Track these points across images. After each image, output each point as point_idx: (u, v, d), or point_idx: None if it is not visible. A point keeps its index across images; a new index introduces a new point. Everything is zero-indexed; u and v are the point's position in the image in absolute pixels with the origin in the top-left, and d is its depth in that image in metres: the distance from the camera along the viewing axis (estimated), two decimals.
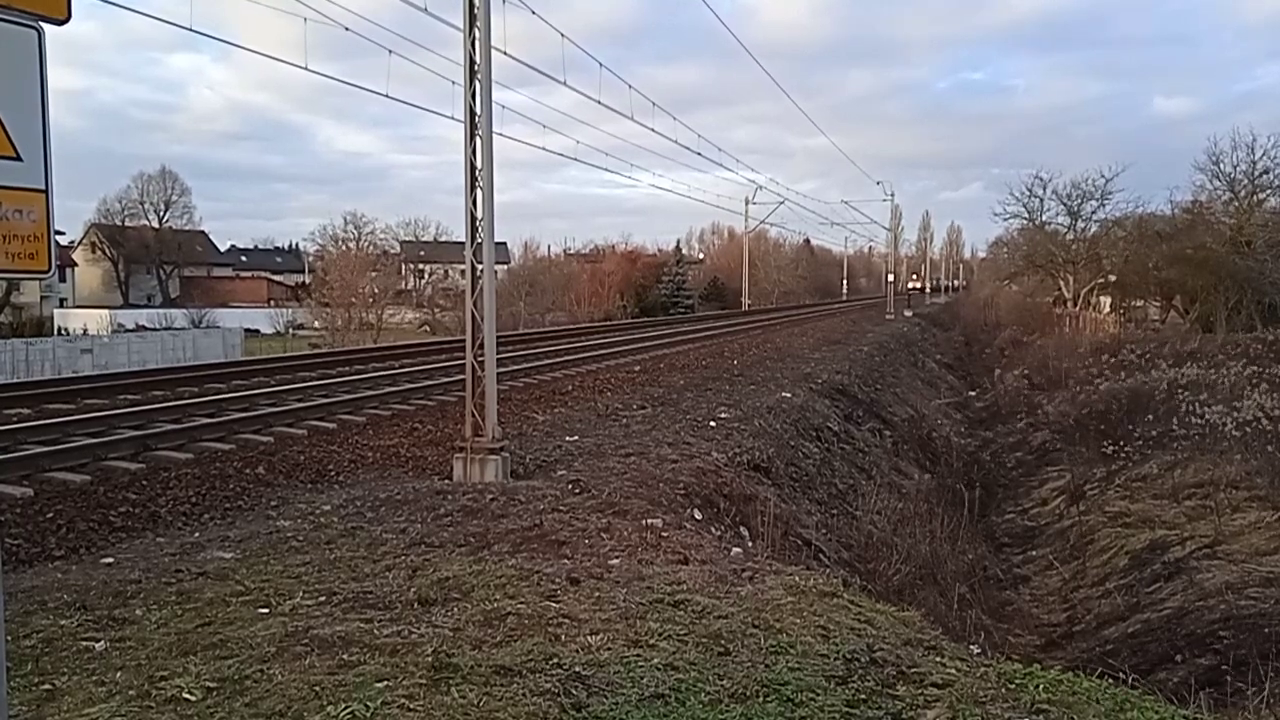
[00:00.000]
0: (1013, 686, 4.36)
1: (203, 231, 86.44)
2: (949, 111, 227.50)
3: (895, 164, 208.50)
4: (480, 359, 9.35)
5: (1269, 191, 35.16)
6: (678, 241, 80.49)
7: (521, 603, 5.16)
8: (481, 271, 9.34)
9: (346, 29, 11.70)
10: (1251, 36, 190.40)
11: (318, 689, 3.94)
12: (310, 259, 69.84)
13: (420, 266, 69.36)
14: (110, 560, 6.32)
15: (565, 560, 6.15)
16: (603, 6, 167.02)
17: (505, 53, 10.85)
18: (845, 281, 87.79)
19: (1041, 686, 4.34)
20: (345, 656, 4.33)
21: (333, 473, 9.45)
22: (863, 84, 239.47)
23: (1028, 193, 45.49)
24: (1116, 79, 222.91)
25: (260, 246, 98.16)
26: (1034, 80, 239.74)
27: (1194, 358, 24.40)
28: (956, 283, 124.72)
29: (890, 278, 65.33)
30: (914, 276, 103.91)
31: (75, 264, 71.76)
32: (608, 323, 44.44)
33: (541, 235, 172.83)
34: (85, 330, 51.36)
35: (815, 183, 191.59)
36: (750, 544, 8.23)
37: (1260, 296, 31.86)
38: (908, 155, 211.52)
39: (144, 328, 53.05)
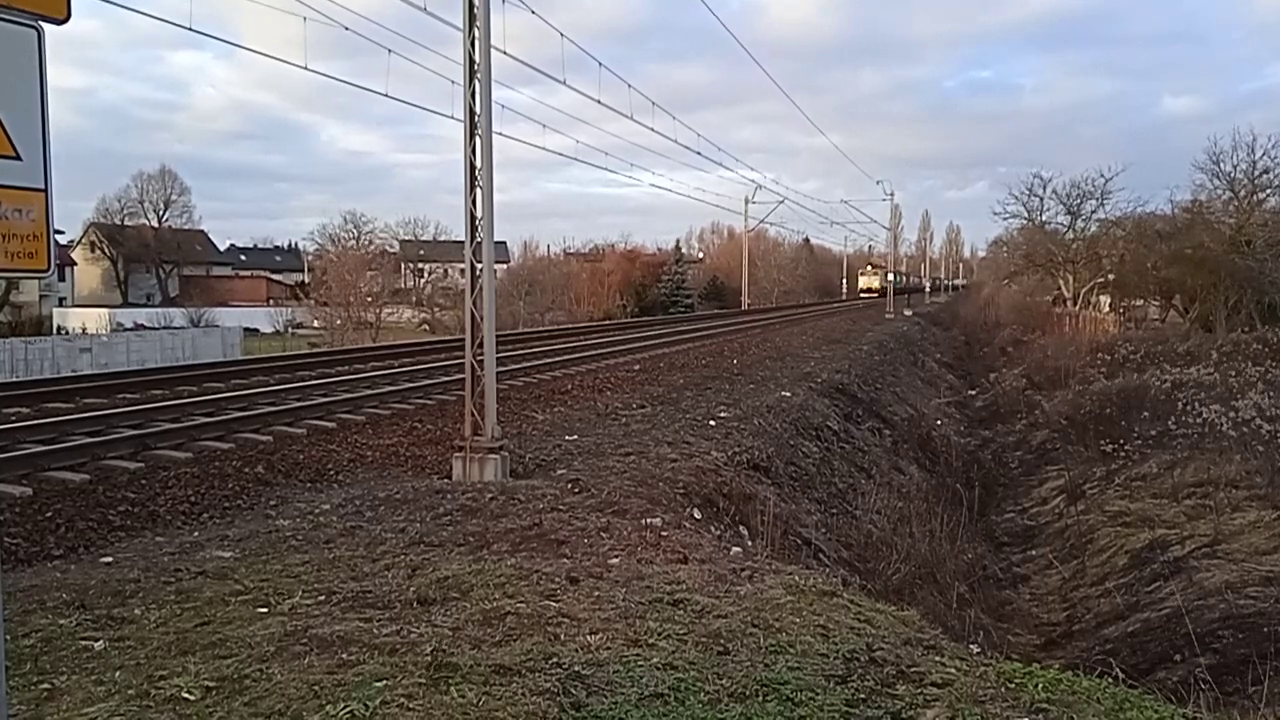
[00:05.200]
0: (1012, 686, 4.36)
1: (202, 230, 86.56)
2: (956, 110, 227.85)
3: (901, 163, 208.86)
4: (480, 358, 9.35)
5: (1269, 191, 35.16)
6: (677, 241, 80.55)
7: (521, 602, 5.16)
8: (481, 271, 9.33)
9: (346, 28, 11.71)
10: (1262, 34, 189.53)
11: (317, 688, 3.94)
12: (309, 258, 69.87)
13: (420, 265, 69.35)
14: (109, 559, 6.32)
15: (564, 559, 6.15)
16: (610, 5, 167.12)
17: (505, 52, 10.86)
18: (845, 281, 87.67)
19: (1041, 686, 4.34)
20: (344, 656, 4.33)
21: (332, 472, 9.44)
22: (870, 83, 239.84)
23: (1027, 192, 45.53)
24: (1125, 78, 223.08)
25: (259, 245, 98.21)
26: (1042, 79, 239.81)
27: (1193, 357, 24.39)
28: (956, 281, 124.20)
29: (890, 277, 65.34)
30: (872, 268, 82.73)
31: (74, 263, 71.75)
32: (607, 322, 44.45)
33: (544, 235, 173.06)
34: (84, 329, 51.34)
35: (820, 182, 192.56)
36: (749, 543, 8.23)
37: (1260, 296, 31.84)
38: (913, 154, 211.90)
39: (143, 327, 53.05)
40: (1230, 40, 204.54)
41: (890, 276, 67.75)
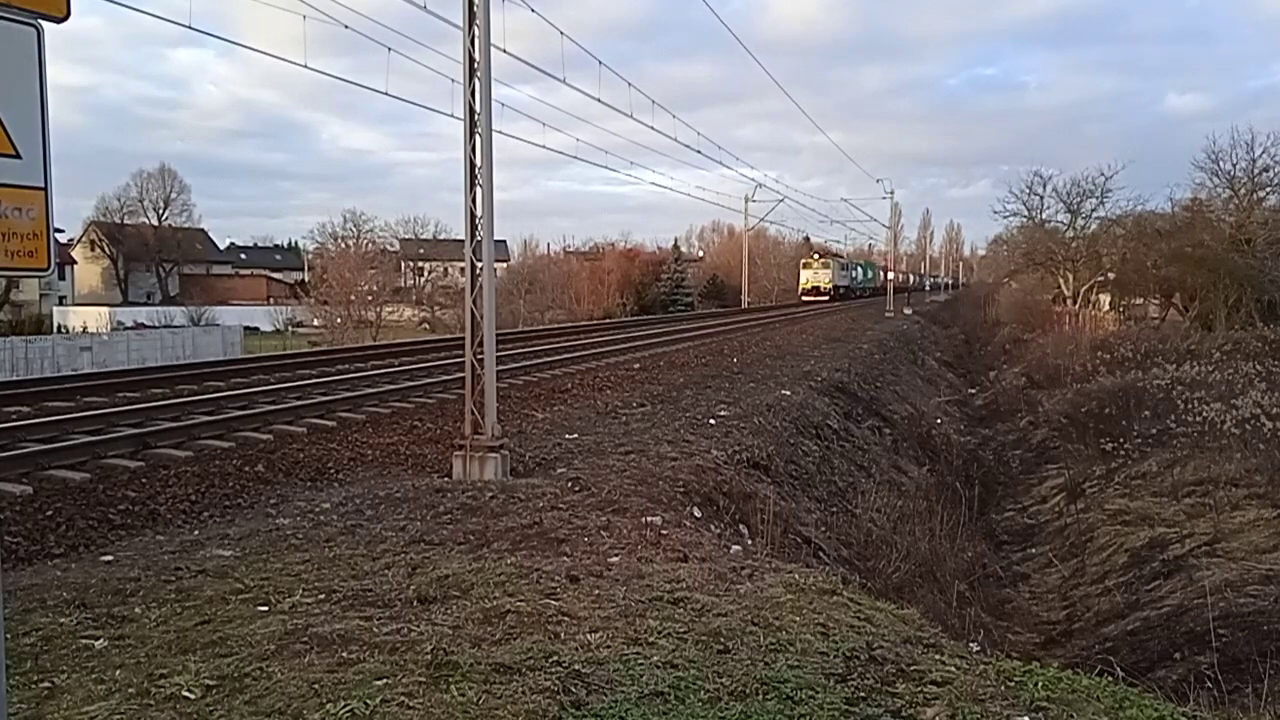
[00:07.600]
0: (1012, 684, 4.36)
1: (202, 229, 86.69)
2: (960, 108, 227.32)
3: (904, 161, 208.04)
4: (480, 357, 9.35)
5: (1269, 190, 35.14)
6: (676, 240, 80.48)
7: (521, 600, 5.17)
8: (481, 269, 9.33)
9: (346, 26, 11.71)
10: (1268, 32, 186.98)
11: (317, 687, 3.95)
12: (309, 257, 69.91)
13: (420, 264, 69.34)
14: (110, 558, 6.32)
15: (565, 558, 6.15)
16: (612, 3, 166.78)
17: (505, 50, 10.86)
18: None
19: (1041, 684, 4.34)
20: (345, 654, 4.33)
21: (332, 470, 9.44)
22: (873, 80, 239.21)
23: (1028, 190, 45.48)
24: (1130, 76, 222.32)
25: (259, 244, 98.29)
26: (1046, 77, 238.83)
27: (1193, 355, 24.41)
28: (945, 280, 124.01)
29: (890, 275, 65.29)
30: (819, 259, 61.90)
31: (75, 261, 71.80)
32: (607, 321, 44.44)
33: (544, 233, 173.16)
34: (85, 328, 51.40)
35: (823, 180, 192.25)
36: (749, 542, 8.23)
37: (1259, 294, 31.82)
38: (916, 152, 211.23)
39: (143, 325, 53.07)
40: (1236, 38, 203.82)
41: (888, 273, 60.56)
